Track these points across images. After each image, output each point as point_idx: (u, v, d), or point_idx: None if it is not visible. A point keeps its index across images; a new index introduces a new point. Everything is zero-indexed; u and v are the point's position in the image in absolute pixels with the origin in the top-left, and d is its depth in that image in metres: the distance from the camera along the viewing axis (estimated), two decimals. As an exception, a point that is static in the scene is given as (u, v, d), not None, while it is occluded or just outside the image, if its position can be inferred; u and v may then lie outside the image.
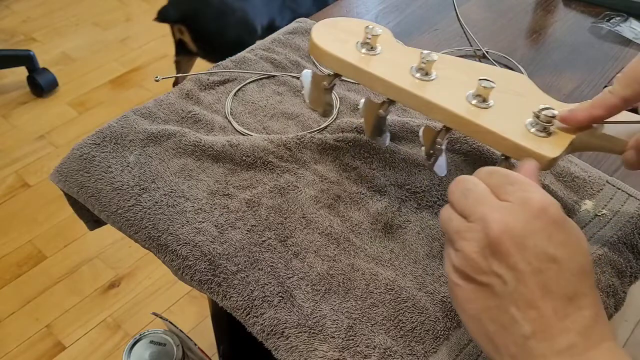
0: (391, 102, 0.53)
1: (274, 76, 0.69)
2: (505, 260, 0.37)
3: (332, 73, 0.55)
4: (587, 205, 0.57)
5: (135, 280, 1.30)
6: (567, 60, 0.75)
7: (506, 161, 0.49)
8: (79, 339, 1.20)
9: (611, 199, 0.57)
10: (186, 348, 0.78)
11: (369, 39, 0.52)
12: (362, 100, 0.52)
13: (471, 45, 0.76)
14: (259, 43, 0.74)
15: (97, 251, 1.35)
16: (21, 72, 1.72)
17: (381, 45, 0.53)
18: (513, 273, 0.37)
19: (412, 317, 0.47)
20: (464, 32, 0.79)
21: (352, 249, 0.52)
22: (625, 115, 0.49)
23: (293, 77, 0.69)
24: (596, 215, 0.56)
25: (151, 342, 0.76)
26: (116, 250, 1.35)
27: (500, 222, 0.38)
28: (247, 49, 0.72)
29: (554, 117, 0.47)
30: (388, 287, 0.49)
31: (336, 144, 0.60)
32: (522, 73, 0.72)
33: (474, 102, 0.49)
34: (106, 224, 0.58)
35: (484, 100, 0.49)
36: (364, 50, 0.53)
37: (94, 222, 0.62)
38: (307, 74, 0.55)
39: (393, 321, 0.47)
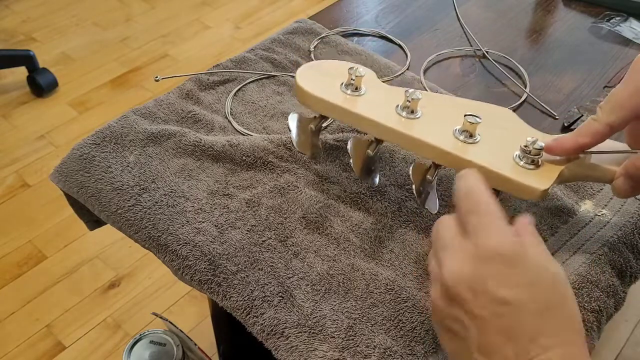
0: (379, 141, 0.53)
1: (274, 76, 0.69)
2: (463, 307, 0.37)
3: (318, 115, 0.55)
4: (587, 205, 0.57)
5: (135, 280, 1.30)
6: (567, 60, 0.75)
7: (495, 195, 0.49)
8: (79, 339, 1.20)
9: (611, 198, 0.57)
10: (186, 348, 0.78)
11: (353, 80, 0.52)
12: (350, 140, 0.52)
13: (471, 45, 0.76)
14: (259, 43, 0.74)
15: (97, 251, 1.35)
16: (21, 72, 1.72)
17: (365, 85, 0.53)
18: (471, 318, 0.37)
19: (412, 317, 0.47)
20: (464, 32, 0.79)
21: (352, 249, 0.52)
22: (611, 145, 0.49)
23: (293, 77, 0.69)
24: (596, 215, 0.56)
25: (151, 342, 0.76)
26: (116, 250, 1.35)
27: (452, 269, 0.38)
28: (247, 49, 0.73)
29: (541, 149, 0.47)
30: (388, 287, 0.49)
31: (336, 144, 0.60)
32: (522, 73, 0.72)
33: (461, 137, 0.50)
34: (106, 224, 0.58)
35: (471, 136, 0.49)
36: (349, 92, 0.53)
37: (94, 222, 0.62)
38: (293, 118, 0.55)
39: (393, 321, 0.47)
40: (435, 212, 0.51)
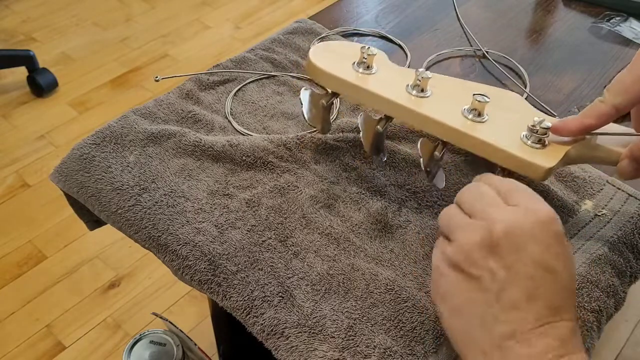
0: (388, 118, 0.54)
1: (274, 76, 0.69)
2: (502, 259, 0.38)
3: (329, 92, 0.56)
4: (587, 205, 0.57)
5: (135, 280, 1.30)
6: (567, 60, 0.75)
7: (502, 174, 0.50)
8: (79, 339, 1.20)
9: (611, 198, 0.57)
10: (186, 348, 0.78)
11: (365, 58, 0.53)
12: (360, 116, 0.53)
13: (471, 45, 0.76)
14: (259, 43, 0.74)
15: (97, 251, 1.35)
16: (21, 72, 1.72)
17: (377, 65, 0.54)
18: (506, 271, 0.38)
19: (412, 317, 0.47)
20: (464, 32, 0.79)
21: (352, 249, 0.52)
22: (617, 128, 0.50)
23: (293, 77, 0.69)
24: (596, 215, 0.56)
25: (151, 342, 0.76)
26: (116, 250, 1.35)
27: (505, 222, 0.39)
28: (247, 49, 0.73)
29: (548, 128, 0.48)
30: (388, 287, 0.49)
31: (336, 144, 0.60)
32: (522, 73, 0.72)
33: (469, 116, 0.51)
34: (106, 224, 0.58)
35: (479, 115, 0.50)
36: (360, 70, 0.54)
37: (94, 222, 0.62)
38: (305, 93, 0.57)
39: (393, 321, 0.47)
40: (442, 187, 0.52)
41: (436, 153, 0.52)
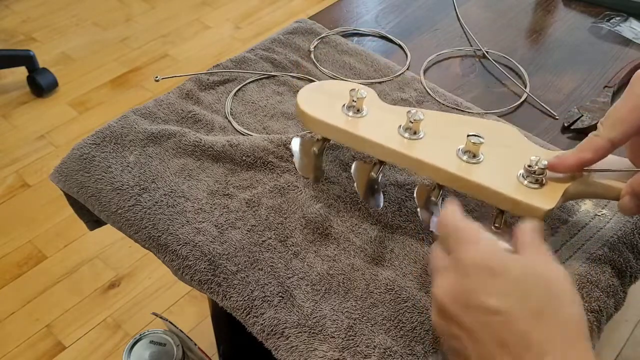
0: (382, 163, 0.53)
1: (274, 76, 0.69)
2: (456, 322, 0.38)
3: (320, 138, 0.54)
4: (587, 205, 0.57)
5: (135, 280, 1.30)
6: (567, 60, 0.75)
7: (501, 215, 0.49)
8: (79, 339, 1.20)
9: (611, 199, 0.57)
10: (186, 348, 0.78)
11: (355, 101, 0.52)
12: (353, 164, 0.52)
13: (471, 45, 0.76)
14: (259, 43, 0.74)
15: (97, 251, 1.34)
16: (21, 72, 1.72)
17: (367, 106, 0.53)
18: (466, 333, 0.37)
19: (412, 317, 0.47)
20: (464, 32, 0.79)
21: (352, 249, 0.52)
22: (614, 161, 0.49)
23: (293, 77, 0.69)
24: (596, 215, 0.56)
25: (151, 342, 0.76)
26: (116, 250, 1.35)
27: (440, 287, 0.39)
28: (247, 49, 0.72)
29: (545, 167, 0.47)
30: (388, 287, 0.49)
31: (336, 144, 0.60)
32: (522, 73, 0.72)
33: (464, 158, 0.49)
34: (106, 224, 0.58)
35: (474, 156, 0.49)
36: (350, 114, 0.53)
37: (94, 222, 0.62)
38: (296, 142, 0.55)
39: (393, 321, 0.47)
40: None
41: (432, 198, 0.51)
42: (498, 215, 0.49)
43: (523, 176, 0.48)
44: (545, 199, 0.47)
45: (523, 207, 0.47)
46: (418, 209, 0.50)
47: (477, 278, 0.37)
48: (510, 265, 0.37)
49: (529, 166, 0.47)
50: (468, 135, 0.49)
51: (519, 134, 0.52)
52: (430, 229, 0.50)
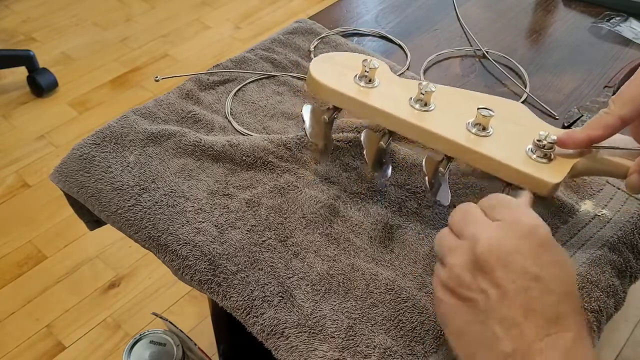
0: (391, 133, 0.53)
1: (274, 76, 0.69)
2: (490, 277, 0.38)
3: (331, 107, 0.55)
4: (587, 205, 0.57)
5: (135, 280, 1.30)
6: (567, 60, 0.75)
7: (508, 188, 0.49)
8: (79, 339, 1.20)
9: (611, 198, 0.57)
10: (186, 348, 0.78)
11: (367, 72, 0.52)
12: (363, 133, 0.52)
13: (471, 45, 0.76)
14: (259, 43, 0.74)
15: (97, 251, 1.35)
16: (21, 72, 1.72)
17: (379, 78, 0.53)
18: (497, 290, 0.37)
19: (412, 317, 0.47)
20: (464, 32, 0.79)
21: (352, 249, 0.52)
22: (623, 139, 0.49)
23: (293, 77, 0.69)
24: (596, 215, 0.56)
25: (151, 342, 0.76)
26: (116, 250, 1.35)
27: (487, 239, 0.39)
28: (247, 49, 0.72)
29: (554, 142, 0.47)
30: (388, 287, 0.49)
31: (336, 144, 0.60)
32: (522, 73, 0.72)
33: (473, 130, 0.50)
34: (106, 224, 0.58)
35: (484, 129, 0.50)
36: (362, 84, 0.53)
37: (94, 222, 0.62)
38: (307, 108, 0.55)
39: (393, 321, 0.47)
40: (447, 204, 0.51)
41: (440, 169, 0.51)
42: (505, 189, 0.49)
43: (532, 150, 0.48)
44: (553, 173, 0.47)
45: (530, 180, 0.47)
46: (425, 178, 0.50)
47: (530, 245, 0.38)
48: (555, 243, 0.39)
49: (538, 140, 0.48)
50: (478, 108, 0.49)
51: (528, 111, 0.53)
52: (437, 199, 0.51)
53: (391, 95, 0.52)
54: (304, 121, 0.55)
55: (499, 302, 0.37)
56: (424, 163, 0.50)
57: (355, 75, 0.54)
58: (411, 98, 0.52)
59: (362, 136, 0.52)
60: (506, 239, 0.38)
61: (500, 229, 0.39)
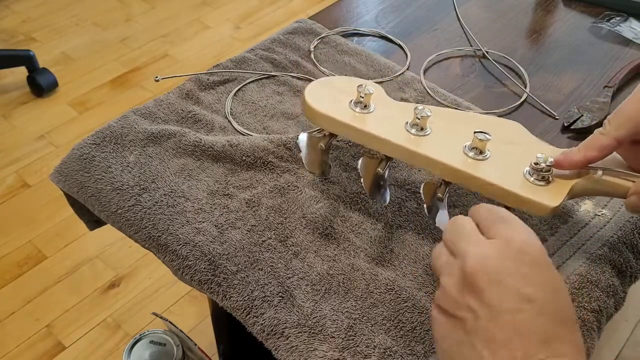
0: (388, 159, 0.52)
1: (274, 76, 0.69)
2: (480, 296, 0.36)
3: (327, 133, 0.54)
4: (587, 205, 0.57)
5: (135, 280, 1.30)
6: (567, 60, 0.75)
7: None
8: (79, 339, 1.20)
9: (611, 199, 0.57)
10: (186, 348, 0.78)
11: (362, 97, 0.52)
12: (360, 160, 0.52)
13: (471, 45, 0.76)
14: (259, 43, 0.74)
15: (97, 251, 1.34)
16: (21, 72, 1.72)
17: (374, 102, 0.53)
18: (486, 309, 0.36)
19: (412, 317, 0.47)
20: (464, 32, 0.79)
21: (352, 249, 0.52)
22: (619, 161, 0.49)
23: (293, 77, 0.69)
24: (596, 215, 0.56)
25: (151, 342, 0.76)
26: (116, 250, 1.35)
27: (477, 257, 0.37)
28: (247, 49, 0.72)
29: (552, 165, 0.47)
30: (388, 287, 0.49)
31: (336, 143, 0.60)
32: (522, 73, 0.72)
33: (470, 154, 0.49)
34: (106, 224, 0.58)
35: (481, 152, 0.49)
36: (357, 109, 0.52)
37: (94, 222, 0.62)
38: (302, 137, 0.55)
39: (393, 321, 0.47)
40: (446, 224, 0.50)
41: (439, 194, 0.50)
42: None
43: (529, 173, 0.48)
44: (552, 196, 0.47)
45: (529, 204, 0.47)
46: (424, 206, 0.50)
47: (523, 264, 0.37)
48: (550, 263, 0.38)
49: (536, 163, 0.47)
50: (475, 132, 0.49)
51: (525, 131, 0.53)
52: (436, 225, 0.50)
53: (387, 120, 0.52)
54: (299, 150, 0.54)
55: (487, 322, 0.36)
56: (422, 189, 0.50)
57: (351, 101, 0.53)
58: (407, 122, 0.51)
59: (359, 163, 0.51)
60: (496, 258, 0.37)
61: (491, 246, 0.38)
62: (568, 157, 0.47)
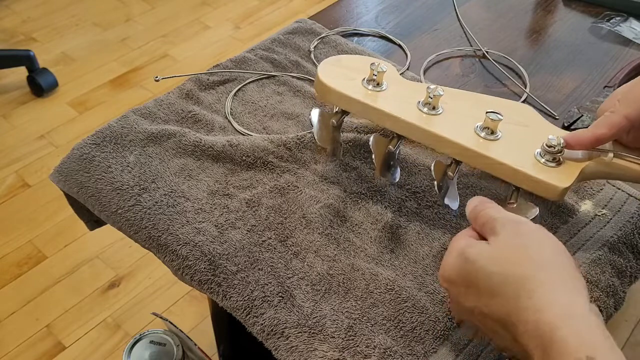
0: (400, 137, 0.53)
1: (274, 76, 0.69)
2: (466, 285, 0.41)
3: (339, 110, 0.54)
4: (587, 205, 0.57)
5: (135, 280, 1.30)
6: (567, 60, 0.75)
7: (516, 192, 0.49)
8: (79, 339, 1.20)
9: (611, 199, 0.57)
10: (186, 348, 0.78)
11: (375, 75, 0.52)
12: (372, 137, 0.52)
13: (471, 45, 0.76)
14: (259, 43, 0.74)
15: (97, 251, 1.34)
16: (21, 72, 1.72)
17: (387, 81, 0.53)
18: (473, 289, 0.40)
19: (412, 317, 0.47)
20: (464, 32, 0.79)
21: (352, 249, 0.52)
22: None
23: (293, 77, 0.69)
24: (596, 215, 0.56)
25: (151, 342, 0.76)
26: (116, 250, 1.35)
27: (445, 264, 0.43)
28: (247, 49, 0.72)
29: (564, 147, 0.47)
30: (388, 287, 0.49)
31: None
32: (522, 73, 0.72)
33: (482, 134, 0.50)
34: (106, 224, 0.58)
35: (492, 133, 0.50)
36: (370, 87, 0.53)
37: (94, 222, 0.62)
38: (315, 113, 0.55)
39: (393, 321, 0.47)
40: (456, 208, 0.51)
41: (449, 173, 0.51)
42: (513, 193, 0.49)
43: (540, 154, 0.48)
44: (562, 177, 0.47)
45: (539, 184, 0.47)
46: (434, 183, 0.50)
47: (457, 288, 0.41)
48: (474, 269, 0.40)
49: (548, 145, 0.47)
50: (487, 112, 0.49)
51: (536, 114, 0.53)
52: (446, 203, 0.50)
53: (399, 98, 0.52)
54: (312, 125, 0.55)
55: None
56: (432, 167, 0.50)
57: (364, 79, 0.53)
58: (419, 101, 0.52)
59: (371, 140, 0.51)
60: (451, 267, 0.42)
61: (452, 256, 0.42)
62: (577, 136, 0.48)
